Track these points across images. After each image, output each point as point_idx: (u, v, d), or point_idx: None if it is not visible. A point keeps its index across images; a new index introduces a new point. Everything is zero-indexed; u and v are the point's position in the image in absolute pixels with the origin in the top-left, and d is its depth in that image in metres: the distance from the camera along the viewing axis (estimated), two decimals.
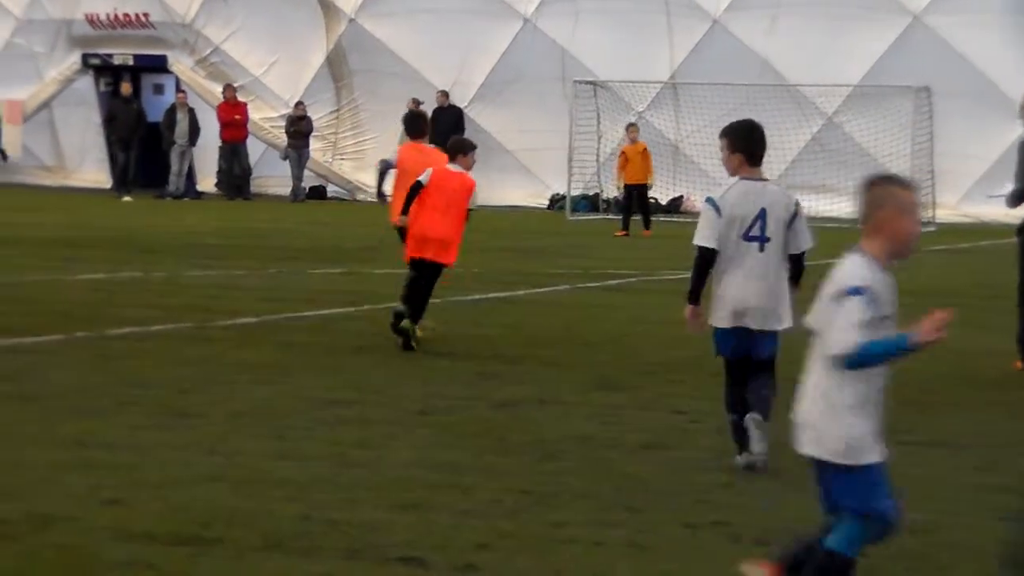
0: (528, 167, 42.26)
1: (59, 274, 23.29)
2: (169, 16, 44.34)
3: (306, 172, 43.57)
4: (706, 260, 11.49)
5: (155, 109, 44.96)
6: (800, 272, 11.63)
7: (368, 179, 43.65)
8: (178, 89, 44.62)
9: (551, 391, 14.49)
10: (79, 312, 18.95)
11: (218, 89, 43.99)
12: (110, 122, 43.86)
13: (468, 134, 41.82)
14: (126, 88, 44.07)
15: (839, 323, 7.25)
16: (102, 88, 44.94)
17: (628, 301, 22.30)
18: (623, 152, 36.36)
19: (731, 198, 11.46)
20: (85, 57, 45.46)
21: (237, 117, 43.31)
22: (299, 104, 43.05)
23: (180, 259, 25.74)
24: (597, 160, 40.77)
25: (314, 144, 43.55)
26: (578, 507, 10.18)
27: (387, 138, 42.88)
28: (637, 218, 35.73)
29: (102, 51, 45.30)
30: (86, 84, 45.51)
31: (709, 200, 11.63)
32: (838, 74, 39.85)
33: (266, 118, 43.84)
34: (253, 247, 28.21)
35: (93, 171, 44.73)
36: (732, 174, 11.60)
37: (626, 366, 15.96)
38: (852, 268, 7.34)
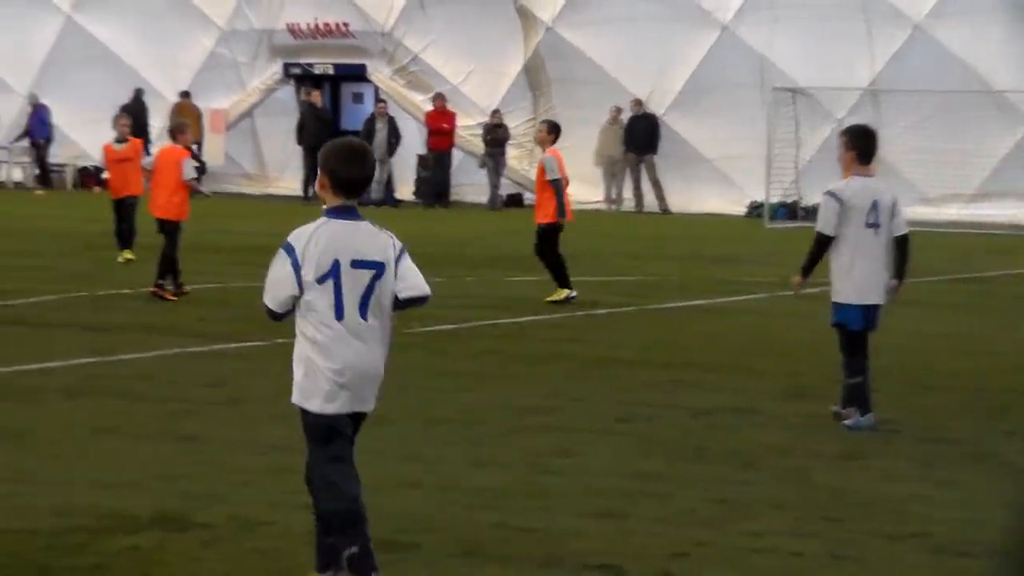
0: (726, 174, 42.06)
1: (261, 281, 23.45)
2: (368, 25, 44.59)
3: (503, 180, 43.67)
4: (823, 245, 13.27)
5: (354, 118, 45.29)
6: (906, 257, 13.47)
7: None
8: (377, 98, 44.87)
9: (748, 400, 14.43)
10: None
11: (417, 98, 44.22)
12: (301, 131, 44.21)
13: (665, 142, 41.88)
14: (316, 97, 44.42)
15: None
16: (302, 97, 45.30)
17: (825, 309, 22.05)
18: None
19: (849, 191, 13.19)
20: (286, 67, 45.89)
21: (445, 126, 43.50)
22: (496, 112, 43.16)
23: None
24: (795, 167, 40.48)
25: (511, 152, 43.66)
26: (775, 517, 10.12)
27: (584, 146, 42.90)
28: None
29: (303, 60, 45.70)
30: (287, 93, 45.96)
31: (830, 192, 13.37)
32: None
33: (464, 126, 43.96)
34: (450, 255, 28.31)
35: (293, 179, 45.07)
36: (845, 168, 13.35)
37: (824, 375, 15.80)
38: None
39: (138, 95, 45.25)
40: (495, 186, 43.60)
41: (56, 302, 20.36)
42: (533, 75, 43.64)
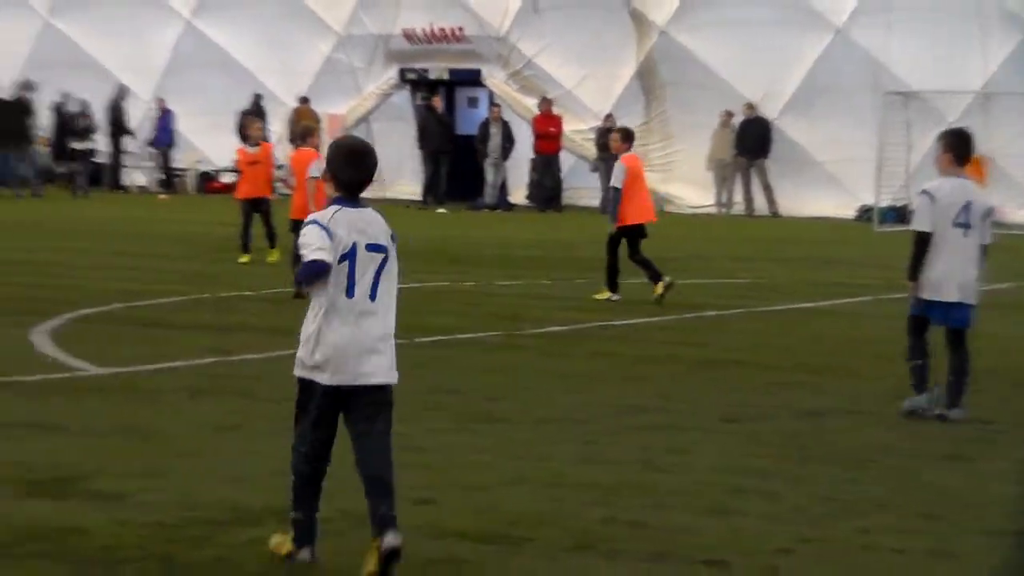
0: (836, 178, 41.91)
1: None
2: (483, 30, 44.65)
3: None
4: (922, 243, 13.51)
5: (469, 122, 45.40)
6: (982, 264, 13.73)
7: (675, 191, 43.78)
8: (491, 103, 44.95)
9: (854, 401, 14.50)
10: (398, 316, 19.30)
11: (531, 102, 44.27)
12: (422, 135, 44.43)
13: (777, 145, 41.76)
14: (436, 102, 44.61)
15: None
16: (418, 102, 45.49)
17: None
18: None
19: (942, 191, 13.52)
20: (402, 72, 46.06)
21: (552, 129, 43.55)
22: (608, 116, 43.10)
23: (490, 269, 26.06)
24: (906, 171, 40.27)
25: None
26: (881, 516, 10.20)
27: (696, 150, 42.90)
28: None
29: (418, 65, 45.87)
30: (403, 98, 46.14)
31: (924, 191, 13.73)
32: None
33: (576, 130, 43.98)
34: (562, 258, 28.43)
35: (409, 183, 45.24)
36: (942, 170, 13.75)
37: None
38: None
39: (257, 100, 45.57)
40: (607, 190, 43.48)
41: (180, 304, 20.61)
42: (646, 79, 43.61)
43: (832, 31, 41.39)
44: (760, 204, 42.91)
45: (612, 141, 23.88)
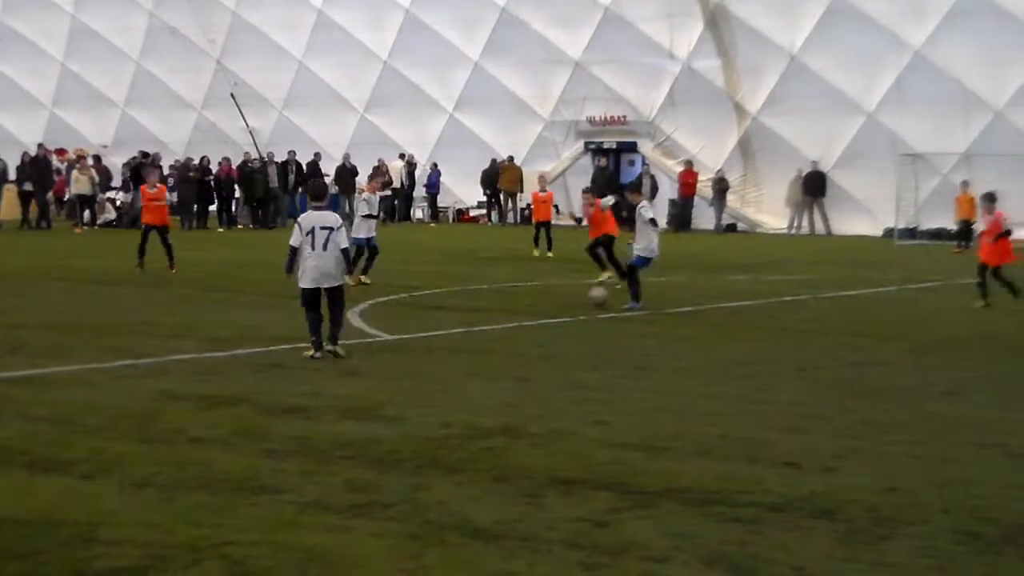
0: (869, 209, 41.23)
1: (568, 278, 23.63)
2: (639, 116, 44.56)
3: (724, 214, 43.29)
4: None
5: (628, 175, 45.27)
6: None
7: (763, 219, 43.23)
8: (643, 163, 44.84)
9: (884, 355, 14.12)
10: (579, 302, 19.18)
11: (670, 162, 44.05)
12: (594, 183, 44.59)
13: (831, 189, 40.97)
14: (603, 162, 44.66)
15: None
16: (596, 163, 45.39)
17: (923, 295, 21.61)
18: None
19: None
20: (586, 144, 46.03)
21: (690, 180, 43.39)
22: (719, 171, 42.83)
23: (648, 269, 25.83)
24: (915, 204, 39.59)
25: (729, 197, 43.23)
26: (901, 433, 9.92)
27: (776, 192, 42.57)
28: None
29: (596, 139, 45.79)
30: (585, 160, 46.07)
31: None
32: None
33: (700, 180, 43.73)
34: (688, 262, 28.10)
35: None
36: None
37: (936, 339, 15.36)
38: None
39: (493, 164, 45.88)
40: (719, 218, 43.23)
41: (443, 293, 20.67)
42: (744, 146, 43.15)
43: (864, 114, 40.59)
44: (819, 227, 42.31)
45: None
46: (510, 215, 46.68)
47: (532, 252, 29.45)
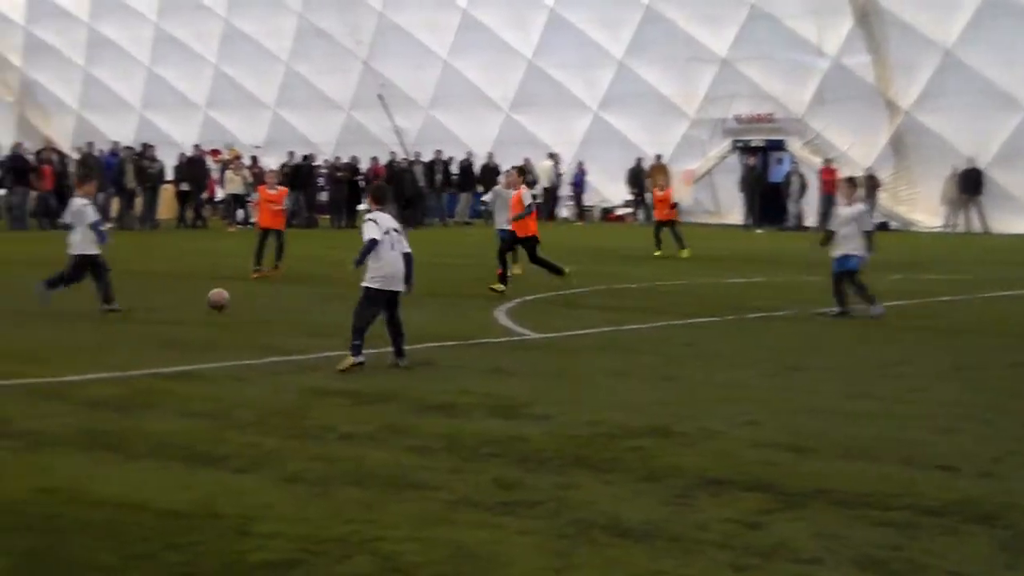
0: None
1: (716, 277, 23.43)
2: (787, 113, 44.00)
3: (875, 212, 42.49)
4: None
5: (777, 174, 44.83)
6: None
7: (916, 217, 42.36)
8: (792, 161, 44.29)
9: None
10: (727, 302, 19.04)
11: (816, 160, 43.42)
12: (743, 182, 44.26)
13: (988, 186, 40.03)
14: (751, 160, 44.21)
15: None
16: (744, 161, 44.95)
17: None
18: None
19: None
20: (733, 142, 45.63)
21: (828, 178, 42.74)
22: (870, 168, 42.06)
23: (792, 269, 25.52)
24: None
25: (881, 194, 42.46)
26: None
27: (929, 192, 41.67)
28: None
29: (744, 138, 45.35)
30: (733, 159, 45.62)
31: None
32: None
33: None
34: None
35: (736, 215, 44.92)
36: None
37: None
38: None
39: (638, 163, 45.80)
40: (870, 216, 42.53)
41: (590, 292, 20.64)
42: (896, 143, 42.30)
43: (1023, 111, 39.52)
44: (976, 226, 41.33)
45: (509, 176, 21.89)
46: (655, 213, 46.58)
47: (654, 252, 28.96)
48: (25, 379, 11.45)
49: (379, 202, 13.02)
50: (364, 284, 12.53)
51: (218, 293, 16.75)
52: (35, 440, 8.98)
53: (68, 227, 17.03)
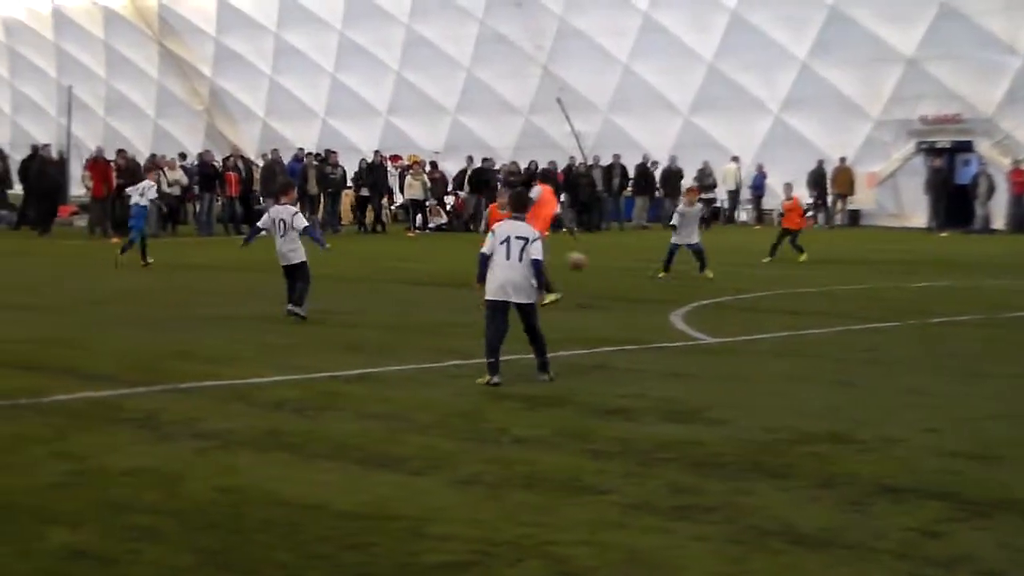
0: None
1: (898, 282, 22.97)
2: (975, 114, 42.87)
3: None
4: None
5: (964, 175, 43.72)
6: None
7: None
8: (980, 163, 43.17)
9: None
10: (910, 307, 18.65)
11: (1006, 160, 42.19)
12: (929, 185, 43.23)
13: None
14: (937, 163, 43.19)
15: None
16: (929, 163, 43.91)
17: None
18: None
19: None
20: (918, 143, 44.64)
21: (1018, 179, 41.54)
22: None
23: (979, 273, 24.87)
24: None
25: None
26: None
27: None
28: None
29: (929, 139, 44.33)
30: (918, 161, 44.62)
31: None
32: None
33: None
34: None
35: (919, 217, 43.92)
36: None
37: None
38: None
39: (820, 165, 45.16)
40: None
41: (767, 296, 20.43)
42: None
43: None
44: None
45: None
46: (838, 217, 45.76)
47: (763, 260, 27.70)
48: (214, 381, 11.80)
49: (517, 208, 12.42)
50: (484, 297, 12.03)
51: (579, 257, 17.27)
52: (221, 441, 9.25)
53: (258, 233, 17.26)
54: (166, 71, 61.39)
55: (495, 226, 12.25)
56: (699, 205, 25.41)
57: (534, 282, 11.86)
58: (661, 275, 23.11)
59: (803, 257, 27.68)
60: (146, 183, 26.63)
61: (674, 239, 23.43)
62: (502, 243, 11.84)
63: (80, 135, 54.98)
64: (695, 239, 23.43)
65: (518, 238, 11.84)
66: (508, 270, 11.79)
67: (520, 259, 11.81)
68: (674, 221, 23.80)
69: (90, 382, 11.60)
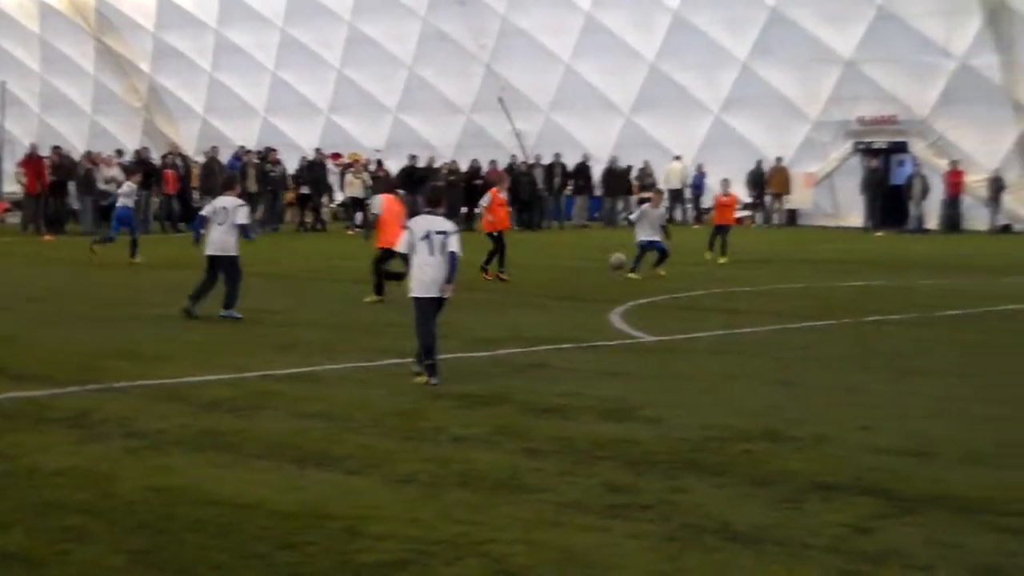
0: None
1: (834, 281, 23.13)
2: (911, 115, 43.27)
3: (999, 215, 41.68)
4: None
5: (899, 176, 44.14)
6: None
7: None
8: (914, 164, 43.62)
9: None
10: (845, 305, 18.79)
11: (942, 162, 42.64)
12: (865, 185, 43.63)
13: None
14: (873, 163, 43.58)
15: None
16: (865, 163, 44.30)
17: None
18: None
19: None
20: (855, 144, 45.01)
21: (953, 180, 42.01)
22: (995, 171, 41.23)
23: (913, 273, 25.11)
24: None
25: (1006, 197, 41.56)
26: None
27: None
28: None
29: (865, 140, 44.71)
30: (854, 161, 44.97)
31: None
32: None
33: (973, 180, 42.16)
34: (963, 265, 27.16)
35: (855, 217, 44.30)
36: None
37: None
38: None
39: (759, 165, 45.49)
40: (993, 219, 41.64)
41: (705, 294, 20.50)
42: (1021, 146, 41.47)
43: None
44: None
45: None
46: (776, 216, 46.08)
47: (705, 255, 28.01)
48: (148, 380, 11.69)
49: (432, 204, 12.21)
50: (410, 295, 12.00)
51: (619, 257, 17.28)
52: (154, 441, 9.17)
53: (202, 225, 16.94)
54: (103, 67, 60.77)
55: (410, 222, 12.13)
56: (663, 209, 25.48)
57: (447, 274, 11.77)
58: (632, 275, 22.92)
59: (724, 259, 27.60)
60: (128, 185, 26.59)
61: (641, 237, 23.75)
62: (423, 239, 11.76)
63: (15, 132, 54.34)
64: (658, 238, 23.79)
65: (438, 232, 11.80)
66: (435, 267, 11.75)
67: (442, 254, 11.77)
68: (633, 217, 24.23)
69: (20, 382, 11.48)
